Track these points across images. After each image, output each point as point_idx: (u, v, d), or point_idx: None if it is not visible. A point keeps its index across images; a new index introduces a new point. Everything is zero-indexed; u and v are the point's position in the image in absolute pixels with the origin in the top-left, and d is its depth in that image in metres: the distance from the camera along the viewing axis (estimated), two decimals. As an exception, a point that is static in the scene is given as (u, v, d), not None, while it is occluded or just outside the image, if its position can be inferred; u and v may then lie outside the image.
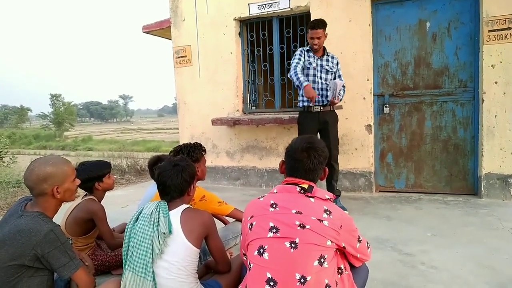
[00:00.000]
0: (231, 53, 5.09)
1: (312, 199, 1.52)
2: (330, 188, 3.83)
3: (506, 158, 3.91)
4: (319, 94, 3.68)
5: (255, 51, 5.23)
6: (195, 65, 5.34)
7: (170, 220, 1.73)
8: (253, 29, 5.08)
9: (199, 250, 1.79)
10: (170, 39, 5.57)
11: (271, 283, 1.36)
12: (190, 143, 2.60)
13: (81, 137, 37.31)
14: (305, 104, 3.75)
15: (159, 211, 1.75)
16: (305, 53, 3.76)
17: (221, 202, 2.52)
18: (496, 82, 3.87)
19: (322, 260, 1.40)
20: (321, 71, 3.73)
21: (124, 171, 7.74)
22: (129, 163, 8.14)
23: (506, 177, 3.91)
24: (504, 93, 3.85)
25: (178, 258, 1.71)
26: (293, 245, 1.39)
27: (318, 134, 3.78)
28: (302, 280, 1.35)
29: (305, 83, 3.50)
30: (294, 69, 3.63)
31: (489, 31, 3.83)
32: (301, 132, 3.80)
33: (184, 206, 1.84)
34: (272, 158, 5.01)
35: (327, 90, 3.70)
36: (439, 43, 4.17)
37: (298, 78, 3.56)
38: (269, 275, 1.37)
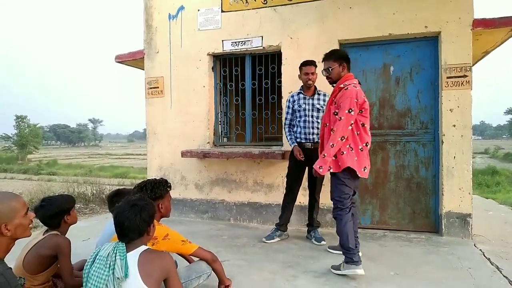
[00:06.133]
0: (204, 86, 5.14)
1: None
2: (311, 219, 4.12)
3: (465, 197, 4.08)
4: (310, 132, 3.95)
5: (228, 85, 5.31)
6: (167, 97, 5.34)
7: (127, 262, 1.68)
8: (226, 65, 5.17)
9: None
10: (143, 69, 5.57)
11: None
12: (155, 179, 2.56)
13: (46, 160, 35.80)
14: (298, 140, 3.99)
15: (115, 253, 1.70)
16: (295, 97, 4.04)
17: (185, 241, 2.46)
18: (454, 125, 4.09)
19: None
20: (312, 110, 3.97)
21: (88, 200, 7.46)
22: (94, 191, 7.86)
23: (464, 216, 4.07)
24: (462, 135, 4.07)
25: (134, 303, 1.65)
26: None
27: (307, 169, 3.99)
28: None
29: (293, 145, 3.99)
30: (284, 128, 4.20)
31: (447, 77, 4.09)
32: (291, 166, 4.11)
33: (143, 247, 1.79)
34: (242, 192, 4.98)
35: (318, 128, 3.93)
36: (402, 86, 4.40)
37: (289, 139, 4.07)
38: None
